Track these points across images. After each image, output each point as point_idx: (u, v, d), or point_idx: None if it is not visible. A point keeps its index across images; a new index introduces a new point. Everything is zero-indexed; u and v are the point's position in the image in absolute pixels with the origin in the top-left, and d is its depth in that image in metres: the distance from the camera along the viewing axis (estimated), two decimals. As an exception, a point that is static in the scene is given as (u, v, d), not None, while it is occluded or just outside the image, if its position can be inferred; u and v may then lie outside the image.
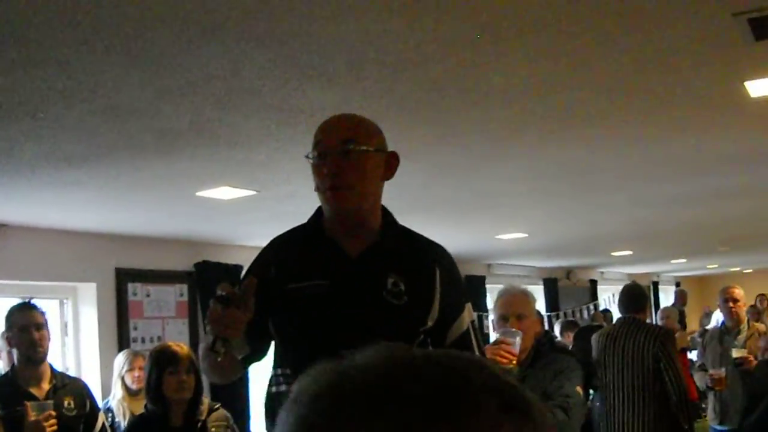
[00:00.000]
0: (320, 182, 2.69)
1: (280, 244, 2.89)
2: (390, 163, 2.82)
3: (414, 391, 0.85)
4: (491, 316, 4.55)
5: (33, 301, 5.09)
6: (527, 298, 4.61)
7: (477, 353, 2.90)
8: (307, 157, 2.74)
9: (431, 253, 2.89)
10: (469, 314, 2.94)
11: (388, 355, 0.91)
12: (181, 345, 4.84)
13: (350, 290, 2.72)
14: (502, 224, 9.78)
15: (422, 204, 7.13)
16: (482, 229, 9.97)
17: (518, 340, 3.99)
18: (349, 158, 2.66)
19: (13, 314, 4.93)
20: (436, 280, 2.81)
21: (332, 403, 0.88)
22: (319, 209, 2.87)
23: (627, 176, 6.91)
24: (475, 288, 13.15)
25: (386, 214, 2.87)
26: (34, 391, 4.85)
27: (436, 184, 6.47)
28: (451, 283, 2.87)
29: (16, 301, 5.09)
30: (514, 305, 4.45)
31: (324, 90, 3.82)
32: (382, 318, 2.70)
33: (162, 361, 4.65)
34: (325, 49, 3.33)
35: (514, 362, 3.94)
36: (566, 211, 8.85)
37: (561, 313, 16.10)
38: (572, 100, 4.43)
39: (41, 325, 4.89)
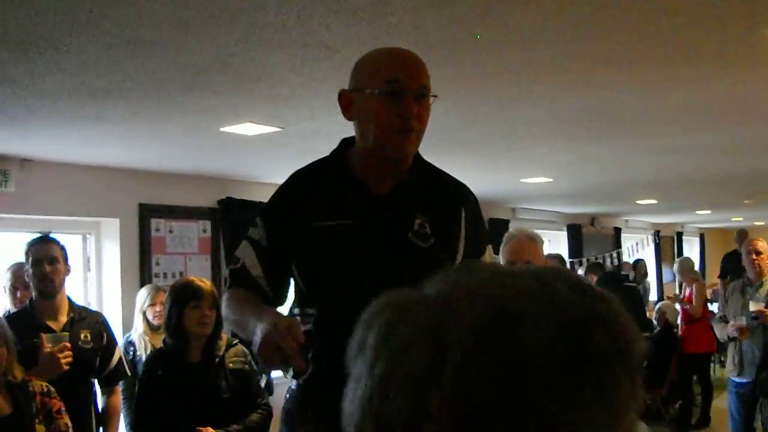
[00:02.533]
0: (388, 121, 2.61)
1: (302, 179, 2.83)
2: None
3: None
4: (501, 261, 4.47)
5: (52, 235, 5.10)
6: (535, 242, 4.49)
7: None
8: (370, 92, 2.64)
9: (458, 193, 2.85)
10: (490, 257, 2.91)
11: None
12: (203, 280, 4.86)
13: (376, 230, 2.67)
14: (528, 168, 9.72)
15: (447, 145, 7.08)
16: (508, 172, 9.91)
17: None
18: (422, 103, 2.62)
19: (29, 247, 4.95)
20: (461, 221, 2.77)
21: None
22: (343, 143, 2.83)
23: (654, 123, 6.83)
24: (499, 232, 13.11)
25: (417, 154, 2.83)
26: (50, 323, 4.89)
27: (461, 125, 6.41)
28: (475, 224, 2.83)
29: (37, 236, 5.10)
30: (522, 252, 4.34)
31: (350, 25, 3.76)
32: (407, 260, 2.65)
33: (185, 295, 4.67)
34: (352, -17, 3.28)
35: None
36: (592, 156, 8.78)
37: (584, 260, 16.07)
38: (602, 45, 4.36)
39: (54, 259, 4.91)
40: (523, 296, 0.85)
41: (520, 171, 9.95)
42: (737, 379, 7.24)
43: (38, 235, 5.10)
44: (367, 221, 2.67)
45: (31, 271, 4.90)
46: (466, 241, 2.77)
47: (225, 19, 3.65)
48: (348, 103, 2.71)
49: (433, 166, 2.87)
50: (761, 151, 8.67)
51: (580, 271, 12.43)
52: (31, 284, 4.99)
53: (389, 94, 2.59)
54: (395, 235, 2.68)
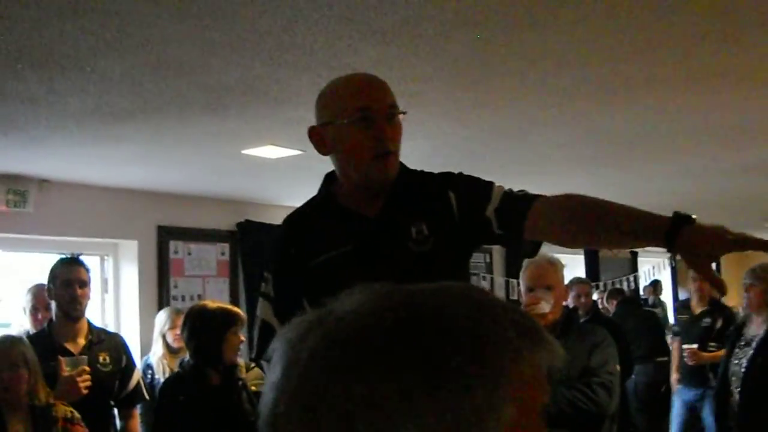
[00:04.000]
0: (364, 148, 2.54)
1: (293, 223, 2.79)
2: None
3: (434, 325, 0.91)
4: (521, 287, 4.49)
5: (81, 258, 5.05)
6: (555, 267, 4.44)
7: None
8: (341, 122, 2.55)
9: (440, 183, 2.73)
10: (498, 191, 2.71)
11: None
12: (234, 306, 4.94)
13: (376, 249, 2.61)
14: (546, 191, 9.63)
15: (466, 168, 7.01)
16: (526, 196, 9.82)
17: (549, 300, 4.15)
18: (394, 123, 2.57)
19: (59, 267, 4.87)
20: (453, 208, 2.66)
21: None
22: (328, 178, 2.78)
23: (673, 146, 6.79)
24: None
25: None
26: (69, 346, 4.80)
27: (482, 147, 6.37)
28: (469, 198, 2.68)
29: (56, 257, 5.05)
30: (542, 277, 4.31)
31: (376, 47, 3.74)
32: (412, 269, 2.56)
33: (229, 321, 4.65)
34: (381, 4, 3.25)
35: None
36: (610, 180, 8.73)
37: (601, 284, 15.99)
38: (627, 68, 4.34)
39: (84, 283, 4.85)
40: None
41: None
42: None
43: (65, 255, 5.04)
44: (364, 244, 2.62)
45: (58, 292, 4.83)
46: (465, 220, 2.66)
47: (252, 41, 3.63)
48: (320, 139, 2.66)
49: (414, 170, 2.78)
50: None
51: (596, 296, 12.37)
52: (53, 305, 4.92)
53: (360, 121, 2.53)
54: (395, 249, 2.61)
